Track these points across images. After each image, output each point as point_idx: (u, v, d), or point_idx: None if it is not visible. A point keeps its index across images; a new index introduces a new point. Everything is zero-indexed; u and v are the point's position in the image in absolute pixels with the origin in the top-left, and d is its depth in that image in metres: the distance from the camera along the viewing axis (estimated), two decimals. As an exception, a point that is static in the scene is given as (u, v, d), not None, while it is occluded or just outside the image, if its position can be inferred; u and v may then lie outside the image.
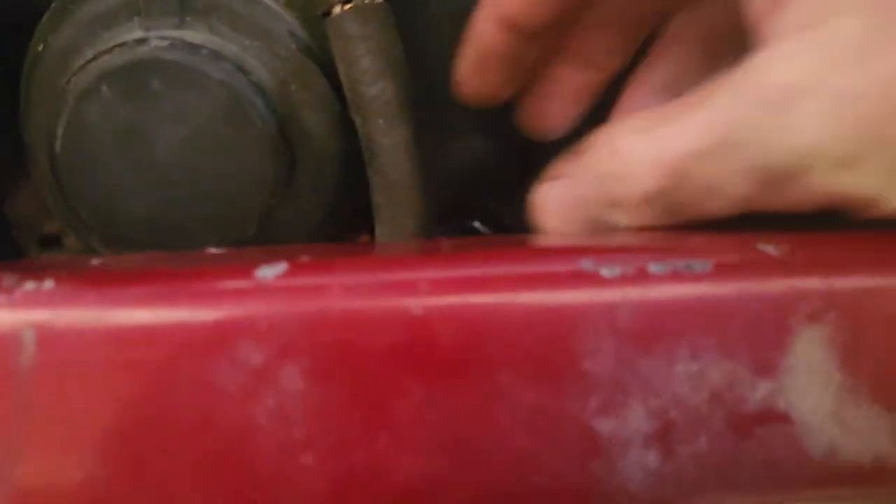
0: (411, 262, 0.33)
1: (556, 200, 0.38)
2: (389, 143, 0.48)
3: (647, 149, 0.32)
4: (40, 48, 0.49)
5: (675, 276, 0.32)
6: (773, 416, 0.32)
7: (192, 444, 0.30)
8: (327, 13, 0.48)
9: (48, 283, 0.32)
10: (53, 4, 0.51)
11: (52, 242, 0.73)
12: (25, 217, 0.72)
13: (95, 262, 0.35)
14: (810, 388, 0.32)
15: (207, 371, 0.31)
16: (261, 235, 0.49)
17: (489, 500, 0.31)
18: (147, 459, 0.30)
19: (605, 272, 0.32)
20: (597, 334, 0.32)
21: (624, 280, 0.32)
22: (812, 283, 0.32)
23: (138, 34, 0.47)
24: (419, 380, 0.31)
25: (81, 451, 0.30)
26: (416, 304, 0.31)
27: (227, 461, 0.30)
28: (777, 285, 0.32)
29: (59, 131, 0.46)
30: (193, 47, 0.46)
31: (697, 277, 0.32)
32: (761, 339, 0.32)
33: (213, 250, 0.38)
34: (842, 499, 0.33)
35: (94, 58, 0.46)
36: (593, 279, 0.32)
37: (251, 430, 0.30)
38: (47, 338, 0.31)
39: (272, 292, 0.32)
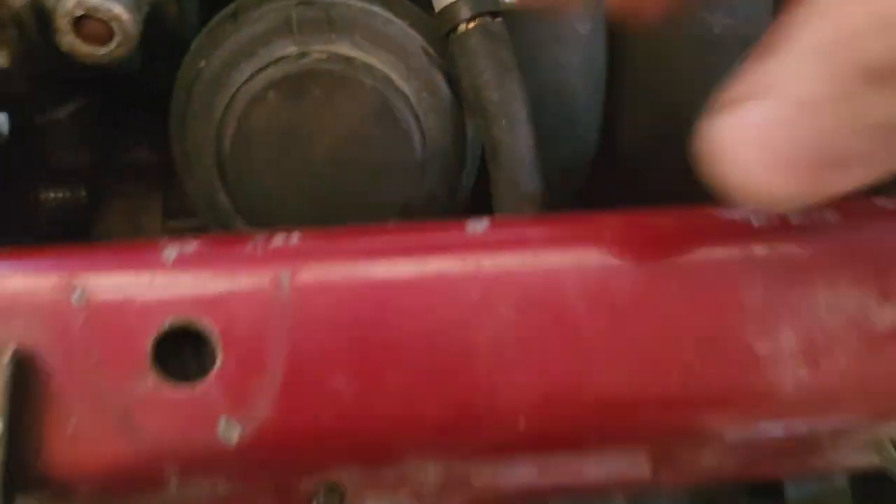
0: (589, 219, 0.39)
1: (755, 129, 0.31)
2: (511, 140, 0.55)
3: None
4: (201, 64, 0.56)
5: (812, 224, 0.39)
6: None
7: (425, 361, 0.36)
8: (453, 31, 0.55)
9: (295, 238, 0.38)
10: (205, 29, 0.58)
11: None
12: (117, 237, 0.77)
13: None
14: (927, 313, 0.39)
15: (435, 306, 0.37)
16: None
17: (668, 407, 0.38)
18: (388, 373, 0.36)
19: (754, 221, 0.39)
20: (751, 272, 0.38)
21: (770, 226, 0.39)
22: (922, 227, 0.39)
23: (295, 49, 0.54)
24: (607, 314, 0.38)
25: (329, 365, 0.36)
26: (599, 256, 0.38)
27: (455, 374, 0.36)
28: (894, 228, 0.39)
29: (229, 132, 0.53)
30: (348, 59, 0.53)
31: (830, 225, 0.39)
32: (885, 272, 0.39)
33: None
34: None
35: (261, 69, 0.53)
36: (746, 227, 0.39)
37: (474, 351, 0.37)
38: (299, 277, 0.37)
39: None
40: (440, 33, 0.56)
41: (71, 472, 0.36)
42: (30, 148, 0.66)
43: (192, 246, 0.38)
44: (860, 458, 0.43)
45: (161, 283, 0.36)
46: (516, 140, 0.55)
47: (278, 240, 0.38)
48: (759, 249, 0.38)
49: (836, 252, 0.38)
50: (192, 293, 0.36)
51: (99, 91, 0.67)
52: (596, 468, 0.42)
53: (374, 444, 0.37)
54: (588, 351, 0.37)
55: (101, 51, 0.57)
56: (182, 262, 0.37)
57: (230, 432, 0.36)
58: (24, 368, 0.35)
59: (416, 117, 0.54)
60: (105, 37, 0.57)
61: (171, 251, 0.37)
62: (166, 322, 0.36)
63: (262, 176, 0.53)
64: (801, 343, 0.38)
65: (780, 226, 0.39)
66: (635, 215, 0.40)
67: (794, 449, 0.42)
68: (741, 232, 0.39)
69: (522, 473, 0.41)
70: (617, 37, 0.66)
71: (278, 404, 0.36)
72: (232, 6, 0.58)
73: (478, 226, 0.39)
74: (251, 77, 0.53)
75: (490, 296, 0.37)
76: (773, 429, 0.40)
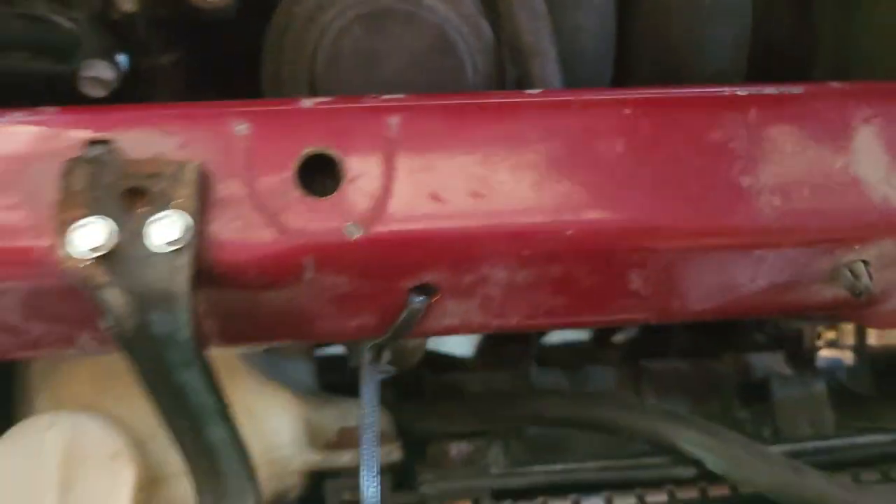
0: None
1: None
2: (543, 75, 0.69)
3: None
4: (295, 8, 0.69)
5: (781, 95, 0.52)
6: (847, 179, 0.52)
7: (501, 185, 0.49)
8: (495, -13, 0.69)
9: (401, 95, 0.51)
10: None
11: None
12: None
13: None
14: (869, 162, 0.52)
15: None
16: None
17: (678, 229, 0.50)
18: (472, 192, 0.49)
19: (740, 92, 0.52)
20: (736, 126, 0.51)
21: (750, 95, 0.52)
22: (865, 100, 0.52)
23: (373, -5, 0.67)
24: (630, 156, 0.50)
25: (427, 185, 0.49)
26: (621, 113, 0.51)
27: (519, 196, 0.49)
28: (845, 102, 0.52)
29: (321, 58, 0.66)
30: (417, 1, 0.67)
31: (794, 96, 0.52)
32: (838, 132, 0.52)
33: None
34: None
35: (347, 8, 0.66)
36: (732, 96, 0.52)
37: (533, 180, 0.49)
38: (404, 120, 0.50)
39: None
40: (485, -10, 0.70)
41: (234, 264, 0.48)
42: (133, 90, 0.79)
43: (324, 98, 0.50)
44: (825, 293, 0.56)
45: (302, 121, 0.49)
46: (548, 75, 0.69)
47: (386, 96, 0.51)
48: (743, 110, 0.51)
49: (800, 114, 0.52)
50: (325, 129, 0.49)
51: (195, 46, 0.80)
52: (613, 304, 0.55)
53: (459, 248, 0.49)
54: (613, 182, 0.50)
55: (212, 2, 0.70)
56: (317, 108, 0.50)
57: (352, 232, 0.48)
58: (204, 181, 0.47)
59: (469, 52, 0.68)
60: (214, -16, 0.70)
61: (308, 101, 0.50)
62: (306, 149, 0.48)
63: (346, 93, 0.66)
64: (775, 180, 0.51)
65: (758, 94, 0.52)
66: (649, 89, 0.53)
67: (771, 286, 0.55)
68: (730, 99, 0.52)
69: (558, 303, 0.54)
70: (623, 4, 0.80)
71: (389, 214, 0.48)
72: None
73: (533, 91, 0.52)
74: (339, 14, 0.66)
75: (542, 137, 0.50)
76: (758, 255, 0.52)
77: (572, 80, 0.76)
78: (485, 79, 0.70)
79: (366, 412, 0.57)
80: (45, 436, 0.57)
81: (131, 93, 0.79)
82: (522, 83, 0.70)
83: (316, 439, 0.67)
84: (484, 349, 0.99)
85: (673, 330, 0.94)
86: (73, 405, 0.61)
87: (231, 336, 0.53)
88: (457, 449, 0.72)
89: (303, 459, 0.66)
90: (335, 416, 0.69)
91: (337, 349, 0.88)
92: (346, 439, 0.67)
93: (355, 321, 0.53)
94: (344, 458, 0.67)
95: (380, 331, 0.54)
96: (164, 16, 0.75)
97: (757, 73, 0.81)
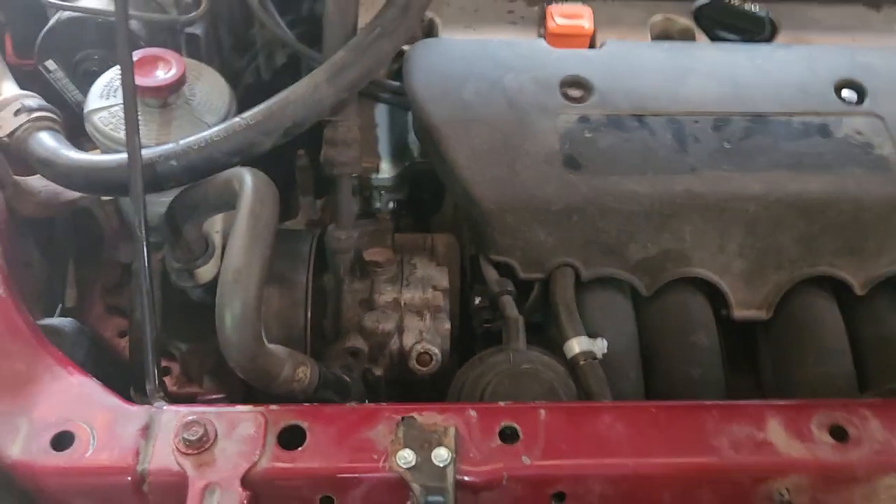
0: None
1: None
2: (601, 396, 1.25)
3: None
4: (468, 376, 1.28)
5: (737, 405, 1.07)
6: (768, 443, 1.04)
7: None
8: (577, 365, 1.29)
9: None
10: (464, 367, 1.32)
11: None
12: None
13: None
14: (776, 434, 1.04)
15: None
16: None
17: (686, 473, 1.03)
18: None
19: (721, 403, 1.08)
20: (716, 420, 1.06)
21: (727, 405, 1.07)
22: (774, 409, 1.07)
23: (510, 358, 1.27)
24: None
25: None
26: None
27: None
28: (762, 409, 1.07)
29: (486, 395, 1.23)
30: (537, 368, 1.26)
31: (744, 406, 1.07)
32: (759, 419, 1.05)
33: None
34: None
35: (500, 372, 1.25)
36: (714, 405, 1.07)
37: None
38: (548, 412, 1.05)
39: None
40: (570, 365, 1.29)
41: (472, 475, 1.00)
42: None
43: (510, 401, 1.06)
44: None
45: (495, 413, 1.05)
46: (604, 398, 1.25)
47: (538, 402, 1.07)
48: (719, 410, 1.06)
49: (745, 413, 1.06)
50: (509, 413, 1.04)
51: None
52: None
53: (576, 473, 1.01)
54: (653, 448, 1.03)
55: (425, 369, 1.31)
56: (509, 407, 1.05)
57: (526, 461, 1.00)
58: (457, 435, 1.01)
59: (564, 394, 1.25)
60: (427, 362, 1.32)
61: (502, 403, 1.06)
62: (502, 424, 1.03)
63: (500, 414, 1.22)
64: (733, 443, 1.03)
65: (723, 404, 1.07)
66: (674, 402, 1.09)
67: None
68: (714, 407, 1.07)
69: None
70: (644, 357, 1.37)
71: (542, 454, 1.01)
72: (477, 356, 1.33)
73: (608, 402, 1.08)
74: (495, 375, 1.25)
75: (612, 422, 1.04)
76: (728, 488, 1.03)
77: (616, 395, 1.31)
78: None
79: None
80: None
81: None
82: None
83: None
84: None
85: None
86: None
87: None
88: None
89: None
90: None
91: None
92: None
93: (519, 516, 1.03)
94: None
95: (530, 524, 1.04)
96: (392, 377, 1.36)
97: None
